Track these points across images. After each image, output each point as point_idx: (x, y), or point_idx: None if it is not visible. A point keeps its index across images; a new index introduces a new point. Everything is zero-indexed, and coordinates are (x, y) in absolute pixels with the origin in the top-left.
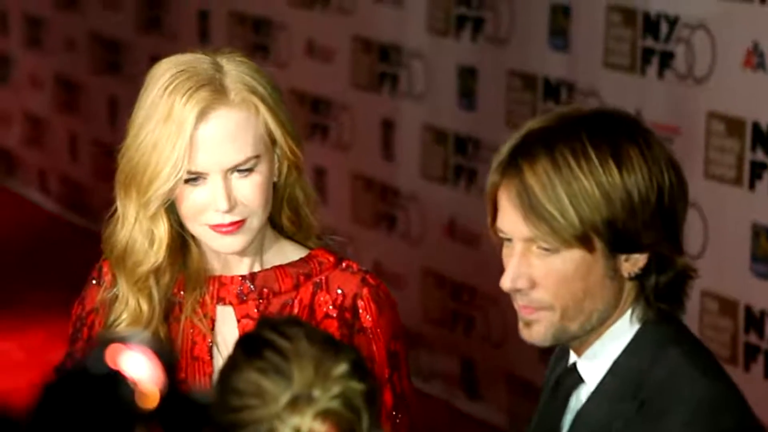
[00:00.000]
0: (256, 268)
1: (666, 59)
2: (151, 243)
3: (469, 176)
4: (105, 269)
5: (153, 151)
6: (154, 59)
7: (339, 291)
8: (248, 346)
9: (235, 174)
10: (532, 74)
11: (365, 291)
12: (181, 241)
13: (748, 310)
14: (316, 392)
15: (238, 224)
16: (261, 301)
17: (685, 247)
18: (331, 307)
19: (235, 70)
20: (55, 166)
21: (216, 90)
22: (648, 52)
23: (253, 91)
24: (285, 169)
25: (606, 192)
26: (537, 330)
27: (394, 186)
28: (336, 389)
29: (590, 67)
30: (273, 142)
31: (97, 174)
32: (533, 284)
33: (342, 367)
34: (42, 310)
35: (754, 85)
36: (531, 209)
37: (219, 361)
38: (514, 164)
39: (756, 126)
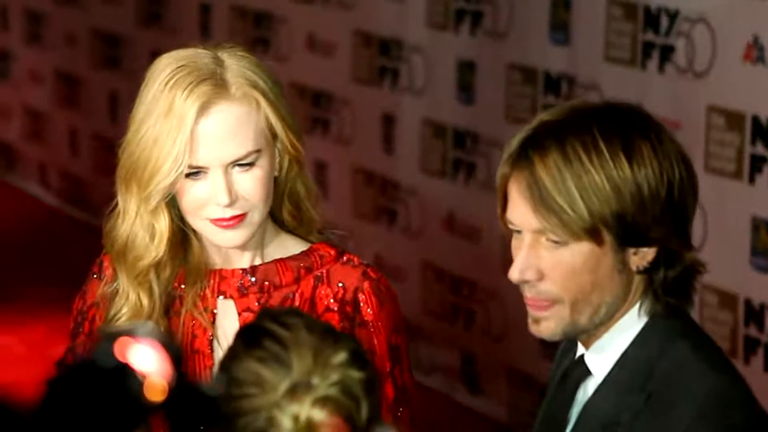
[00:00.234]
0: (257, 262)
1: (666, 53)
2: (152, 237)
3: (467, 170)
4: (106, 263)
5: (154, 145)
6: (155, 54)
7: (340, 284)
8: (248, 337)
9: (236, 168)
10: (532, 68)
11: (366, 284)
12: (182, 236)
13: (748, 303)
14: (315, 380)
15: (239, 218)
16: (262, 294)
17: None
18: (332, 300)
19: (236, 64)
20: (56, 160)
21: (217, 84)
22: (648, 46)
23: (254, 86)
24: (286, 164)
25: (616, 186)
26: (547, 326)
27: (394, 180)
28: (334, 377)
29: (591, 61)
30: (274, 136)
31: (97, 168)
32: (541, 276)
33: (341, 356)
34: (42, 305)
35: (754, 79)
36: (541, 201)
37: (219, 354)
38: (524, 156)
39: (756, 120)
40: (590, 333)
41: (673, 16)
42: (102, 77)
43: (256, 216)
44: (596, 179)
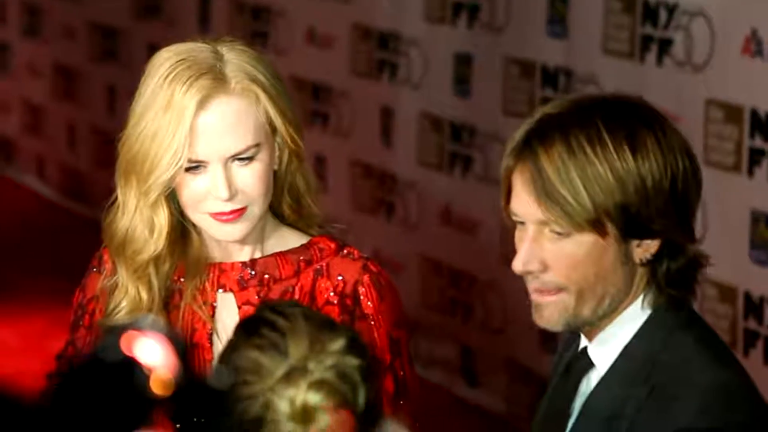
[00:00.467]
0: (257, 255)
1: (665, 46)
2: (151, 231)
3: (464, 164)
4: (105, 257)
5: (153, 139)
6: (153, 47)
7: (340, 278)
8: (247, 327)
9: (236, 162)
10: (529, 61)
11: (366, 278)
12: (182, 229)
13: (747, 296)
14: (311, 365)
15: (239, 212)
16: (261, 287)
17: None
18: (332, 293)
19: (235, 58)
20: (54, 153)
21: (216, 78)
22: (647, 39)
23: (254, 80)
24: (286, 158)
25: (620, 177)
26: (549, 314)
27: (392, 173)
28: (330, 361)
29: (589, 54)
30: (273, 130)
31: (95, 162)
32: (545, 267)
33: (338, 343)
34: (40, 298)
35: (752, 72)
36: (544, 192)
37: (219, 347)
38: (529, 148)
39: (754, 113)
40: (593, 325)
41: (671, 9)
42: (100, 70)
43: (255, 210)
44: (600, 171)
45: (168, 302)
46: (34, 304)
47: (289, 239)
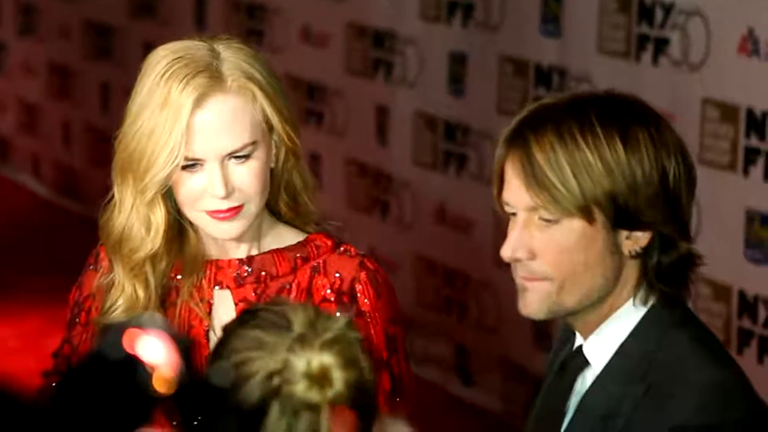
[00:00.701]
0: (254, 253)
1: (661, 46)
2: (148, 229)
3: (459, 162)
4: (102, 255)
5: (150, 137)
6: (148, 45)
7: (337, 275)
8: (241, 317)
9: (232, 160)
10: (523, 60)
11: (363, 275)
12: (178, 227)
13: (742, 295)
14: (318, 329)
15: (236, 210)
16: (258, 284)
17: None
18: (328, 290)
19: (232, 56)
20: (49, 152)
21: (213, 77)
22: (643, 39)
23: (250, 78)
24: (282, 156)
25: (609, 166)
26: (531, 300)
27: (387, 172)
28: (334, 332)
29: (583, 54)
30: (270, 128)
31: (90, 160)
32: (533, 255)
33: (337, 321)
34: (35, 296)
35: (748, 72)
36: (533, 178)
37: None
38: (520, 136)
39: (750, 112)
40: (585, 320)
41: (668, 8)
42: (95, 69)
43: (252, 208)
44: (589, 158)
45: (165, 299)
46: (30, 303)
47: (285, 236)
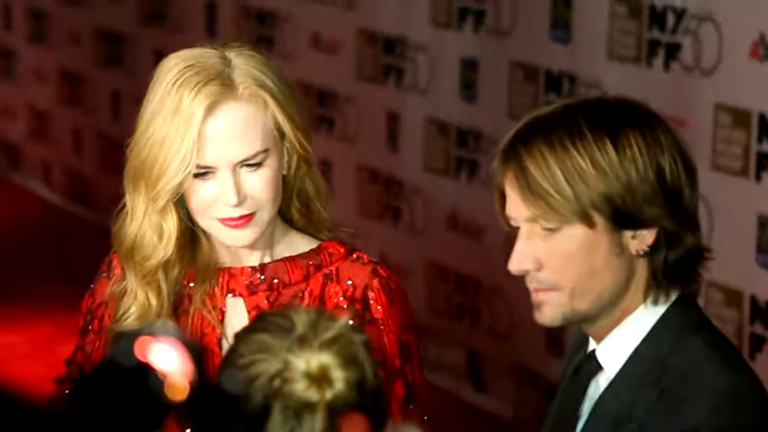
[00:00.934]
0: (266, 260)
1: (672, 51)
2: (160, 237)
3: (470, 168)
4: (114, 262)
5: (161, 145)
6: (158, 53)
7: (349, 282)
8: (251, 323)
9: (244, 168)
10: (534, 66)
11: (376, 282)
12: (191, 235)
13: (754, 300)
14: (319, 330)
15: (248, 218)
16: (271, 292)
17: None
18: (341, 298)
19: (243, 64)
20: (59, 159)
21: (224, 84)
22: (654, 44)
23: (262, 86)
24: (294, 163)
25: (601, 168)
26: (546, 311)
27: (398, 178)
28: (336, 331)
29: (593, 59)
30: (282, 135)
31: (100, 167)
32: (539, 266)
33: (340, 322)
34: (46, 303)
35: (760, 77)
36: (528, 189)
37: None
38: (513, 151)
39: (762, 117)
40: (599, 324)
41: (680, 14)
42: (106, 76)
43: (264, 215)
44: (581, 163)
45: (177, 307)
46: (40, 310)
47: (298, 244)
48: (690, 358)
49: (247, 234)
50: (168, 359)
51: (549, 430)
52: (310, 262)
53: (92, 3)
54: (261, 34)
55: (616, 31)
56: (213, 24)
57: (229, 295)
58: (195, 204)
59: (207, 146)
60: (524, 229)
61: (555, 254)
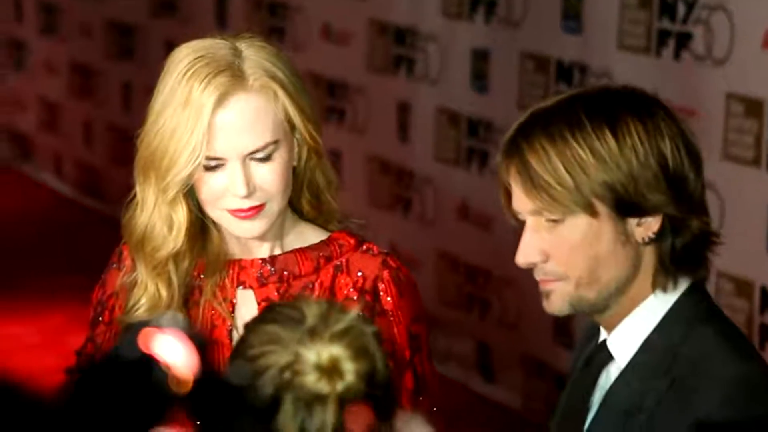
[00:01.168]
0: (277, 252)
1: (683, 40)
2: (170, 228)
3: (481, 159)
4: (125, 253)
5: (171, 136)
6: (169, 44)
7: (359, 273)
8: (261, 314)
9: (254, 159)
10: (544, 56)
11: (386, 273)
12: (201, 226)
13: (764, 290)
14: (330, 322)
15: (258, 209)
16: (281, 284)
17: None
18: (351, 289)
19: (254, 55)
20: (70, 150)
21: (235, 75)
22: (664, 34)
23: (272, 77)
24: (305, 154)
25: (601, 157)
26: (554, 300)
27: (409, 168)
28: (346, 323)
29: (604, 49)
30: (292, 127)
31: (111, 158)
32: (546, 257)
33: (350, 313)
34: (57, 294)
35: None
36: (530, 182)
37: None
38: (514, 145)
39: None
40: (607, 313)
41: (691, 3)
42: (117, 68)
43: (274, 207)
44: (580, 153)
45: (188, 299)
46: (51, 301)
47: (308, 235)
48: (701, 347)
49: (257, 225)
50: (172, 351)
51: (560, 421)
52: (321, 254)
53: None
54: (272, 24)
55: (627, 21)
56: (224, 15)
57: (240, 287)
58: (205, 195)
59: (217, 137)
60: (530, 222)
61: (560, 245)
